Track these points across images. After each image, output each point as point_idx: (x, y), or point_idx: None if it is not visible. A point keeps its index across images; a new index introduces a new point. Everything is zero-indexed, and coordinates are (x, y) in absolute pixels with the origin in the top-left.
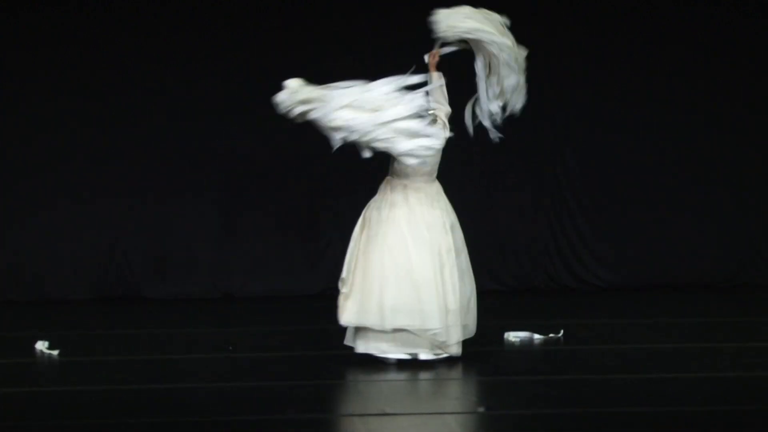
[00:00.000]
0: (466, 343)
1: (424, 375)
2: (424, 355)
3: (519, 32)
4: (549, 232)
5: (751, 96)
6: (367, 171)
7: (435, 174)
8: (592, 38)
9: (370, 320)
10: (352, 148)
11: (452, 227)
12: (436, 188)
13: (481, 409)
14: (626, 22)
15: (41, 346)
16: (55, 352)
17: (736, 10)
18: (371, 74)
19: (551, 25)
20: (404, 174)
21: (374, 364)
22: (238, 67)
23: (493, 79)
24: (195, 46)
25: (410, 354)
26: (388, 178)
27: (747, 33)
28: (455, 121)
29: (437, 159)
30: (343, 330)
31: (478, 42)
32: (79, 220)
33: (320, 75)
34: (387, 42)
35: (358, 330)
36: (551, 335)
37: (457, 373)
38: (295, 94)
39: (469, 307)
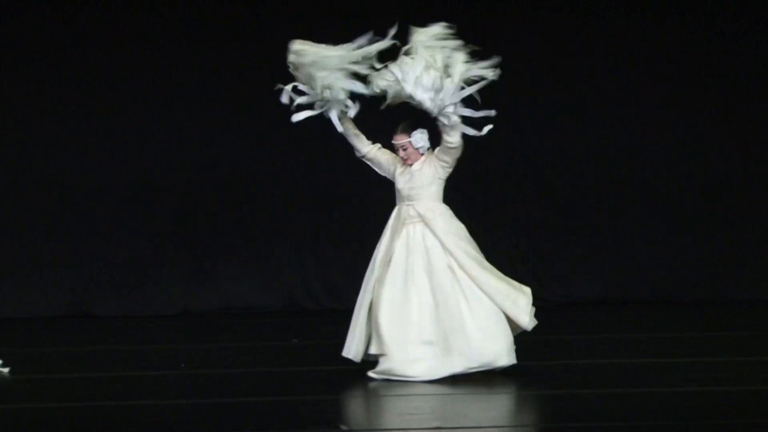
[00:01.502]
0: None
1: (383, 391)
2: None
3: (488, 47)
4: (508, 248)
5: (721, 116)
6: (325, 189)
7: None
8: (560, 57)
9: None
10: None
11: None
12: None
13: (436, 425)
14: (592, 40)
15: None
16: (6, 370)
17: (709, 32)
18: None
19: (518, 43)
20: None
21: (330, 380)
22: (200, 86)
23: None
24: (160, 69)
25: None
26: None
27: (716, 51)
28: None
29: (433, 183)
30: (301, 346)
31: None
32: (35, 239)
33: None
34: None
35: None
36: None
37: (418, 389)
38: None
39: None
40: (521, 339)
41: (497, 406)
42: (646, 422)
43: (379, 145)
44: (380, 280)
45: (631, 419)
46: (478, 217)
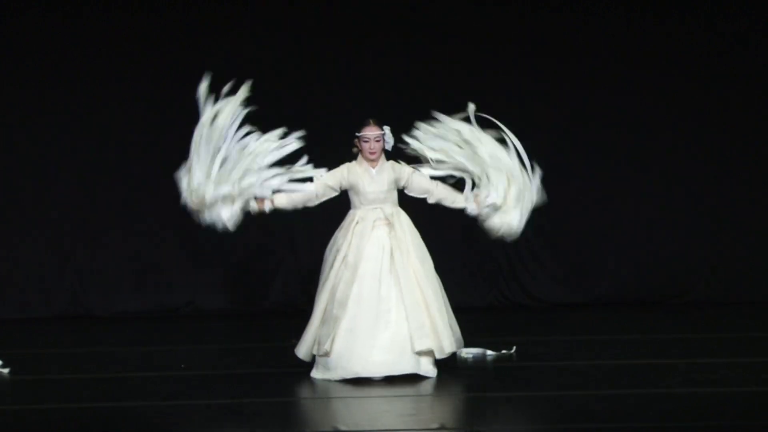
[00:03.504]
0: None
1: (376, 392)
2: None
3: (475, 47)
4: (502, 250)
5: (705, 116)
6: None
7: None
8: (555, 57)
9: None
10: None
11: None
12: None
13: (435, 426)
14: (584, 41)
15: None
16: (6, 370)
17: (695, 29)
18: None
19: (511, 43)
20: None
21: (325, 382)
22: (184, 84)
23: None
24: (159, 69)
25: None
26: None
27: (717, 51)
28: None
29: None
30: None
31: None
32: (30, 239)
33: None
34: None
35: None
36: (504, 351)
37: (410, 390)
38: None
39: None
40: (519, 340)
41: (493, 408)
42: (644, 424)
43: (319, 175)
44: (348, 282)
45: (629, 421)
46: (471, 218)
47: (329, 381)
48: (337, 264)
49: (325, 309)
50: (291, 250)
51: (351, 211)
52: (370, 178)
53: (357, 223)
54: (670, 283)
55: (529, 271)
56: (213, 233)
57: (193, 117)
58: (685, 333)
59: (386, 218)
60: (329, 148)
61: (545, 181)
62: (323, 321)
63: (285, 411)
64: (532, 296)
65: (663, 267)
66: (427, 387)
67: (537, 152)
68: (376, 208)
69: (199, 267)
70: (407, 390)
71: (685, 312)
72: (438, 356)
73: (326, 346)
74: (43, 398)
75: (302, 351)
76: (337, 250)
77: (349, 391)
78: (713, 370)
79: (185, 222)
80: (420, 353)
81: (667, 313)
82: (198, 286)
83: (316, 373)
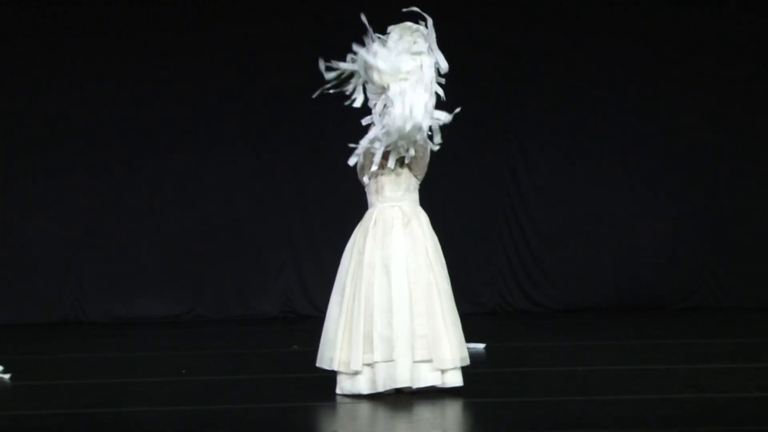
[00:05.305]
0: None
1: (377, 398)
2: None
3: (476, 55)
4: (503, 255)
5: (706, 122)
6: (320, 193)
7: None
8: (546, 62)
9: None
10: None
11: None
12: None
13: None
14: (584, 43)
15: None
16: (7, 376)
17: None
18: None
19: (510, 47)
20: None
21: (325, 387)
22: (194, 92)
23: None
24: (162, 78)
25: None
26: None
27: (698, 59)
28: None
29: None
30: (301, 352)
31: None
32: (32, 245)
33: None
34: None
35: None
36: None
37: (409, 396)
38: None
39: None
40: (520, 346)
41: (494, 413)
42: (645, 430)
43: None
44: (385, 287)
45: (630, 426)
46: (473, 224)
47: (369, 394)
48: (354, 264)
49: (356, 314)
50: (291, 256)
51: (368, 211)
52: (389, 176)
53: (375, 222)
54: (672, 288)
55: (531, 277)
56: (214, 240)
57: (193, 121)
58: (685, 338)
59: (402, 216)
60: (333, 150)
61: (547, 184)
62: (356, 328)
63: (286, 417)
64: (533, 302)
65: (664, 272)
66: (428, 393)
67: (538, 157)
68: (393, 206)
69: (201, 274)
70: (406, 396)
71: (686, 317)
72: (438, 366)
73: (368, 357)
74: (44, 404)
75: (325, 358)
76: (359, 252)
77: (350, 397)
78: (714, 375)
79: (187, 229)
80: (419, 362)
81: (669, 319)
82: (200, 293)
83: (348, 387)
